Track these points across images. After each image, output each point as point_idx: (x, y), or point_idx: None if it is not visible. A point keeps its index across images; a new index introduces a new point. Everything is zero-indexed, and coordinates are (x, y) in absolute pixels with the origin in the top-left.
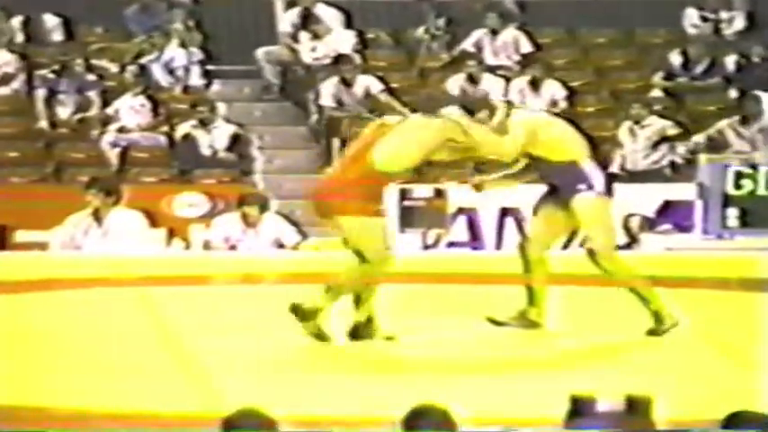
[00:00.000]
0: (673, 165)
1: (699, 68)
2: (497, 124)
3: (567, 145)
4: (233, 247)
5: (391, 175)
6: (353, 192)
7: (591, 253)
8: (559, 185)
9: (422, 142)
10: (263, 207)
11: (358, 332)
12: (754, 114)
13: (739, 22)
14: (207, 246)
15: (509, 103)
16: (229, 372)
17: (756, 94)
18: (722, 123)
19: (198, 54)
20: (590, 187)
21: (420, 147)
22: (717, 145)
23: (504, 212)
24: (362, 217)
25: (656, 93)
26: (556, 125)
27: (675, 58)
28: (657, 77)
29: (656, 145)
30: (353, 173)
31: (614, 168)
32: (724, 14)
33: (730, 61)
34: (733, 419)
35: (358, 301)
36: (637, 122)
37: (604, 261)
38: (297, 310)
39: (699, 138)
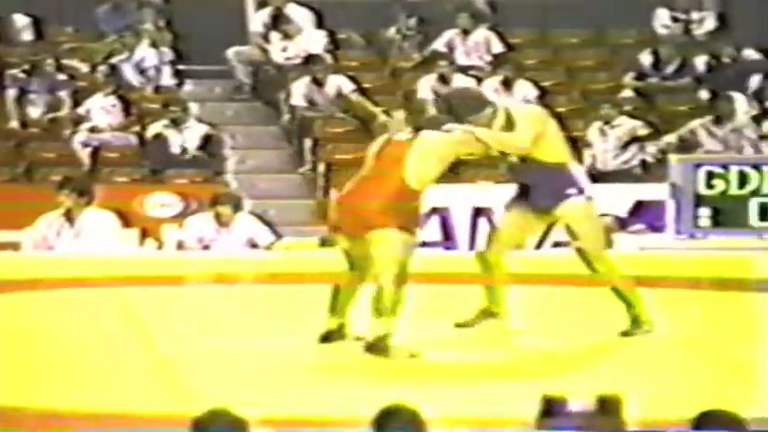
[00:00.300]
0: (643, 165)
1: (669, 69)
2: (502, 125)
3: (560, 145)
4: (206, 247)
5: (420, 193)
6: (395, 207)
7: (581, 252)
8: (545, 188)
9: (442, 158)
10: (237, 206)
11: (330, 338)
12: (727, 114)
13: (710, 23)
14: (180, 246)
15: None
16: (203, 372)
17: (729, 94)
18: (694, 123)
19: (169, 54)
20: (580, 191)
21: (440, 162)
22: (688, 145)
23: (477, 212)
24: (402, 233)
25: (627, 93)
26: (553, 123)
27: (646, 59)
28: (628, 78)
29: (626, 145)
30: (389, 190)
31: (585, 168)
32: (695, 15)
33: (701, 62)
34: (704, 419)
35: (334, 308)
36: (606, 123)
37: (596, 261)
38: (372, 348)
39: (670, 138)
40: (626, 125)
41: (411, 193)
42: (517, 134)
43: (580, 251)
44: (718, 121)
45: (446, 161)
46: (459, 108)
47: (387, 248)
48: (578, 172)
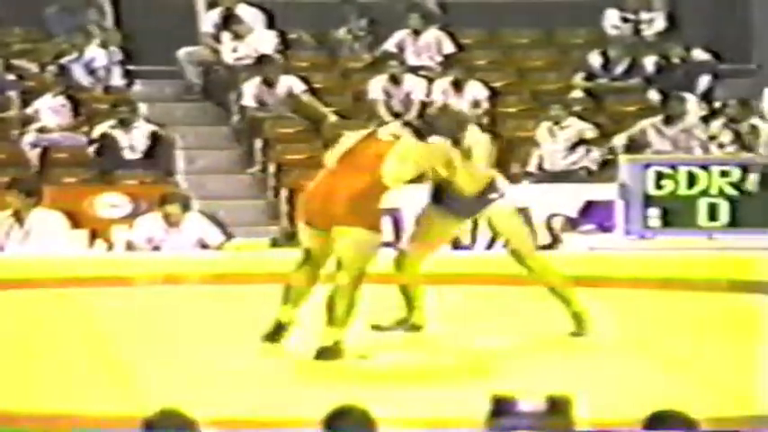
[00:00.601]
0: (588, 170)
1: (618, 69)
2: (467, 146)
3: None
4: (156, 248)
5: (390, 191)
6: (365, 204)
7: (514, 253)
8: (469, 197)
9: (418, 165)
10: (185, 206)
11: (279, 332)
12: (678, 114)
13: (659, 23)
14: (129, 246)
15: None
16: (152, 372)
17: (681, 94)
18: (644, 123)
19: (119, 54)
20: (502, 195)
21: (415, 168)
22: (638, 145)
23: None
24: (371, 231)
25: (577, 93)
26: (488, 138)
27: (595, 59)
28: (578, 78)
29: (574, 146)
30: (363, 184)
31: (532, 168)
32: (644, 15)
33: (650, 62)
34: (655, 419)
35: (288, 299)
36: (556, 123)
37: (528, 260)
38: (324, 354)
39: (619, 139)
40: (575, 126)
41: (383, 190)
42: (481, 166)
43: (513, 252)
44: (669, 121)
45: (420, 169)
46: (442, 127)
47: (352, 247)
48: (498, 177)
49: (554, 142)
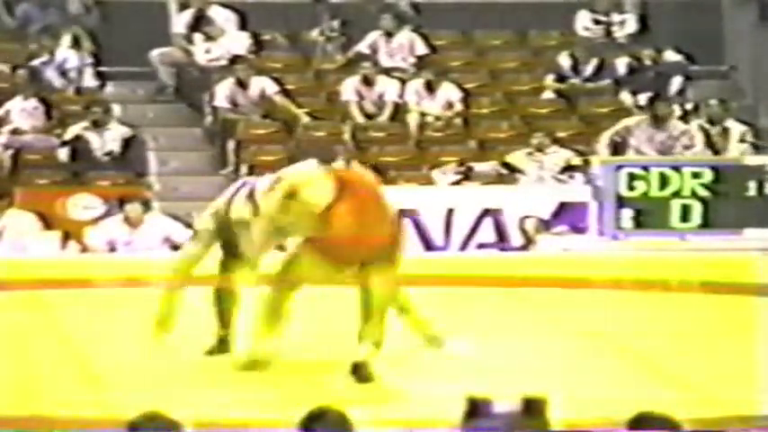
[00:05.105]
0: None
1: (587, 70)
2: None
3: None
4: (113, 249)
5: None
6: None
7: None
8: None
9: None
10: (146, 206)
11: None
12: (664, 118)
13: (631, 25)
14: (86, 251)
15: None
16: (125, 375)
17: (667, 97)
18: (629, 122)
19: (91, 55)
20: None
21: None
22: (617, 145)
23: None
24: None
25: (549, 95)
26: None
27: (565, 61)
28: (550, 79)
29: (561, 172)
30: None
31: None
32: (616, 17)
33: (622, 64)
34: (639, 420)
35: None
36: (539, 150)
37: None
38: (359, 372)
39: (603, 146)
40: (561, 154)
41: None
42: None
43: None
44: (657, 126)
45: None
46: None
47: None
48: None
49: (540, 169)
